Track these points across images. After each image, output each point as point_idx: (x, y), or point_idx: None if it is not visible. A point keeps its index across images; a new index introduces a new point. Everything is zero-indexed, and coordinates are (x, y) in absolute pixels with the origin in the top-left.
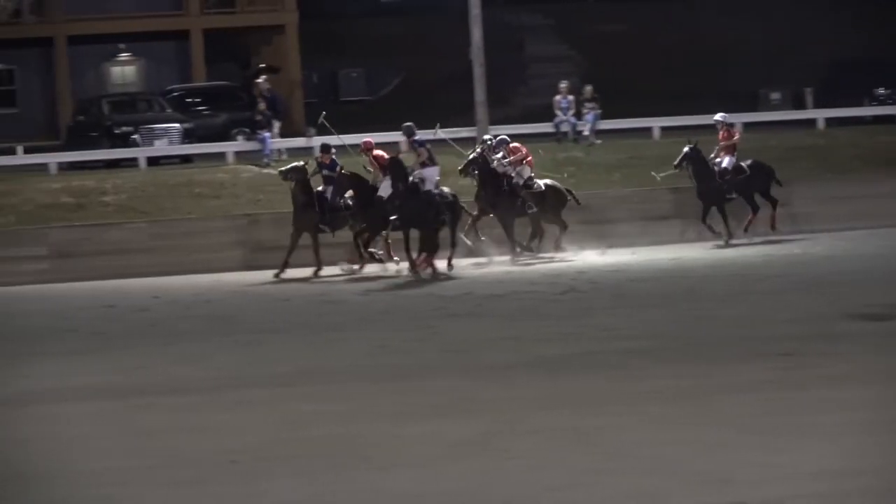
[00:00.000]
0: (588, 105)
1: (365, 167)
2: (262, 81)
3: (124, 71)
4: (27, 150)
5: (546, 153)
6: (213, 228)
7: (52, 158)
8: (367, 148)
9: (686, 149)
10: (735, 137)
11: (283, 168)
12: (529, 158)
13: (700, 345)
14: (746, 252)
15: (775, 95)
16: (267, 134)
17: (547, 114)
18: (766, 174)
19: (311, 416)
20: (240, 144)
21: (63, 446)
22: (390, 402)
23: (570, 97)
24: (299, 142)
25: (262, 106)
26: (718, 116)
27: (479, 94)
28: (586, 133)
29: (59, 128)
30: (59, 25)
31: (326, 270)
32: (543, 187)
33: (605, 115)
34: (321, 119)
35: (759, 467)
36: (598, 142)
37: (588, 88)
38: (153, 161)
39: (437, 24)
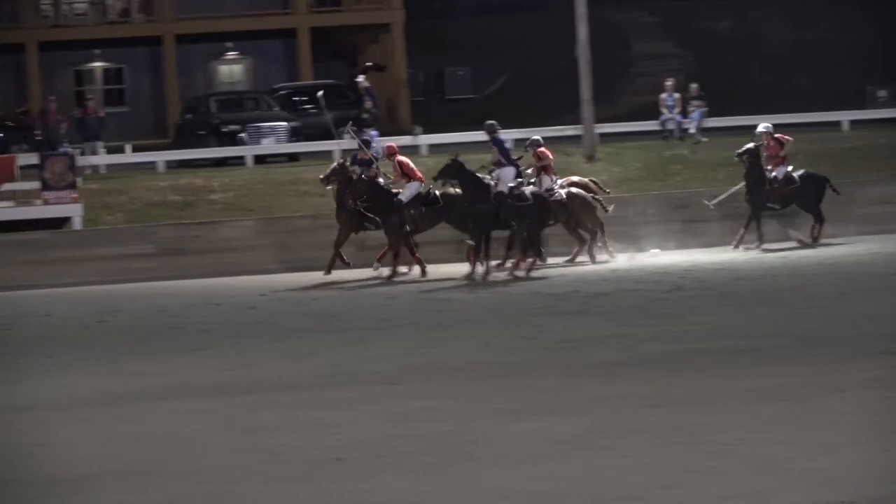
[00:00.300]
0: (694, 103)
1: (385, 174)
2: (362, 80)
3: (232, 69)
4: (136, 149)
5: (651, 151)
6: (319, 226)
7: (161, 157)
8: (391, 153)
9: (751, 144)
10: (784, 148)
11: (322, 175)
12: (549, 166)
13: (810, 343)
14: (855, 250)
15: (882, 93)
16: (374, 132)
17: (653, 111)
18: (818, 185)
19: (417, 413)
20: (346, 142)
21: (172, 443)
22: (497, 399)
23: (676, 95)
24: (405, 140)
25: (368, 104)
26: (762, 127)
27: (585, 91)
28: (692, 131)
29: (167, 126)
30: (168, 24)
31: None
32: (564, 196)
33: (711, 113)
34: (318, 95)
35: (867, 466)
36: (704, 139)
37: (694, 86)
38: (260, 159)
39: (543, 22)
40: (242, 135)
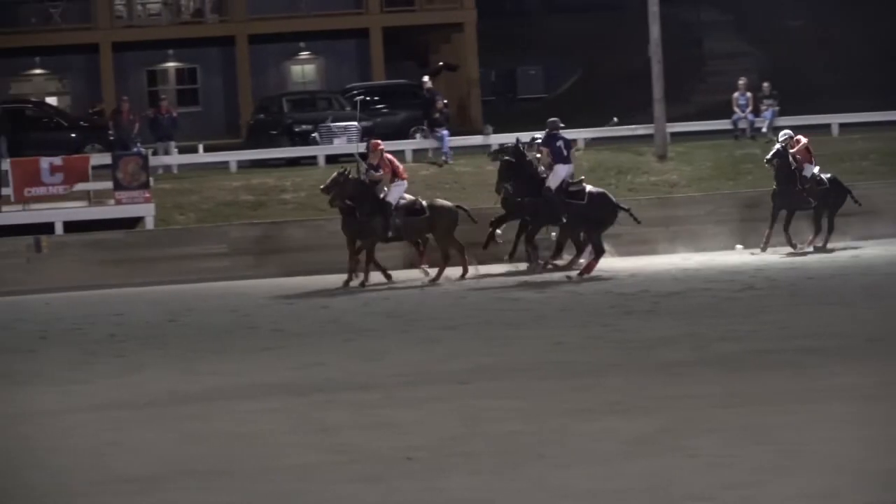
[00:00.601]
0: (766, 101)
1: (365, 170)
2: (427, 80)
3: (304, 69)
4: (208, 149)
5: (722, 150)
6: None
7: (233, 157)
8: (375, 148)
9: (778, 146)
10: (806, 147)
11: (322, 186)
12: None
13: (880, 343)
14: None
15: None
16: (445, 131)
17: (725, 110)
18: (842, 192)
19: (487, 412)
20: (418, 142)
21: (243, 442)
22: (567, 399)
23: (749, 94)
24: (476, 139)
25: (439, 104)
26: (784, 135)
27: (657, 91)
28: (764, 130)
29: (239, 126)
30: (241, 24)
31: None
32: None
33: (783, 112)
34: (357, 100)
35: None
36: (776, 138)
37: (766, 85)
38: (332, 159)
39: (615, 20)
40: (314, 135)
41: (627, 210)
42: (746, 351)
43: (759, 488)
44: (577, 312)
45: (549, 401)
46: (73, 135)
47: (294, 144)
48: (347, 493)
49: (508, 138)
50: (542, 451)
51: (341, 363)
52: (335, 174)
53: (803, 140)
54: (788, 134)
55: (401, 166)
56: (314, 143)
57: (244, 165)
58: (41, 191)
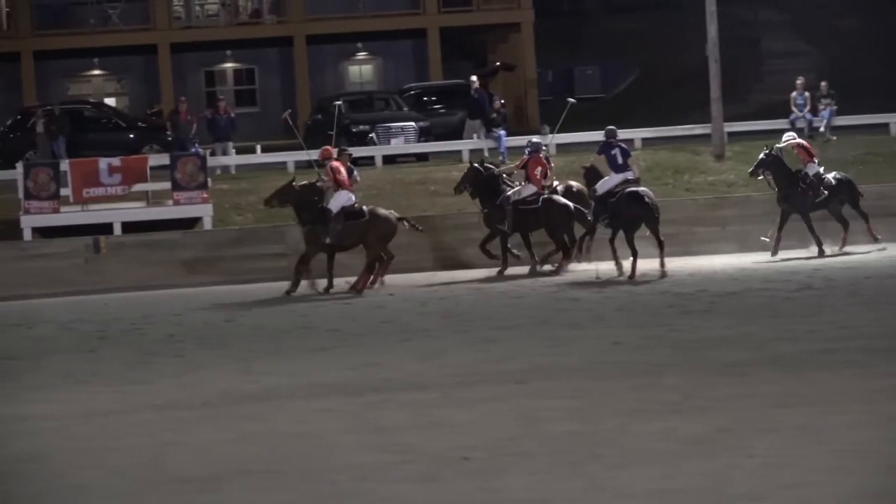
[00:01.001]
0: (824, 101)
1: (321, 176)
2: (474, 80)
3: (362, 70)
4: (266, 149)
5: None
6: (448, 226)
7: (290, 157)
8: (325, 157)
9: (761, 155)
10: (804, 147)
11: (267, 197)
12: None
13: None
14: None
15: None
16: (502, 132)
17: (783, 110)
18: (851, 188)
19: (544, 412)
20: (475, 142)
21: (300, 442)
22: (625, 399)
23: (806, 93)
24: (533, 140)
25: (496, 104)
26: (787, 137)
27: (715, 90)
28: (822, 129)
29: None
30: (299, 25)
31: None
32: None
33: (841, 111)
34: (285, 115)
35: None
36: (834, 138)
37: (823, 84)
38: (389, 159)
39: (673, 20)
40: (372, 135)
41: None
42: (804, 351)
43: (816, 488)
44: (635, 312)
45: (607, 401)
46: (132, 135)
47: (351, 145)
48: (402, 492)
49: (566, 138)
50: (598, 451)
51: (397, 363)
52: (281, 186)
53: (795, 141)
54: (792, 137)
55: (346, 177)
56: (371, 143)
57: (301, 166)
58: (100, 191)
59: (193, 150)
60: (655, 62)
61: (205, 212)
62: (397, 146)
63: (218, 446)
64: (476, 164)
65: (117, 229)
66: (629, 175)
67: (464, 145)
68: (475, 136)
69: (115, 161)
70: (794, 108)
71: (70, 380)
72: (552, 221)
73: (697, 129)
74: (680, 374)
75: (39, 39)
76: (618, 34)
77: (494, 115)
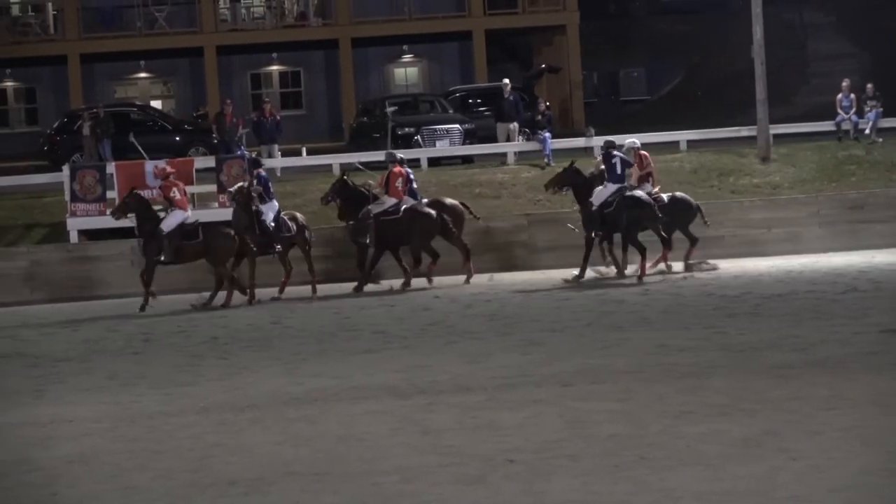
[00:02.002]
0: (870, 103)
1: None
2: (505, 84)
3: (407, 72)
4: (312, 152)
5: (825, 152)
6: (493, 229)
7: (336, 160)
8: (163, 175)
9: (560, 170)
10: (650, 166)
11: (231, 189)
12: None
13: None
14: None
15: None
16: (547, 134)
17: (828, 112)
18: (685, 209)
19: (590, 415)
20: (520, 145)
21: (347, 444)
22: (671, 401)
23: (852, 95)
24: (579, 142)
25: (541, 107)
26: (629, 142)
27: (760, 92)
28: (868, 131)
29: (343, 129)
30: (344, 27)
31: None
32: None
33: (887, 113)
34: (130, 138)
35: None
36: (880, 140)
37: (869, 86)
38: (434, 161)
39: (718, 22)
40: (417, 137)
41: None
42: (851, 353)
43: (865, 491)
44: (681, 314)
45: (653, 403)
46: (178, 138)
47: (397, 147)
48: (449, 494)
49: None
50: (644, 453)
51: (444, 365)
52: (239, 185)
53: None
54: (634, 144)
55: (185, 198)
56: (416, 145)
57: (348, 168)
58: (146, 194)
59: (239, 152)
60: (701, 64)
61: None
62: (442, 148)
63: (264, 448)
64: (345, 177)
65: None
66: (625, 185)
67: (509, 148)
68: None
69: (162, 164)
70: (839, 111)
71: (116, 382)
72: (414, 231)
73: (743, 132)
74: (726, 377)
75: (86, 42)
76: (664, 36)
77: (539, 117)
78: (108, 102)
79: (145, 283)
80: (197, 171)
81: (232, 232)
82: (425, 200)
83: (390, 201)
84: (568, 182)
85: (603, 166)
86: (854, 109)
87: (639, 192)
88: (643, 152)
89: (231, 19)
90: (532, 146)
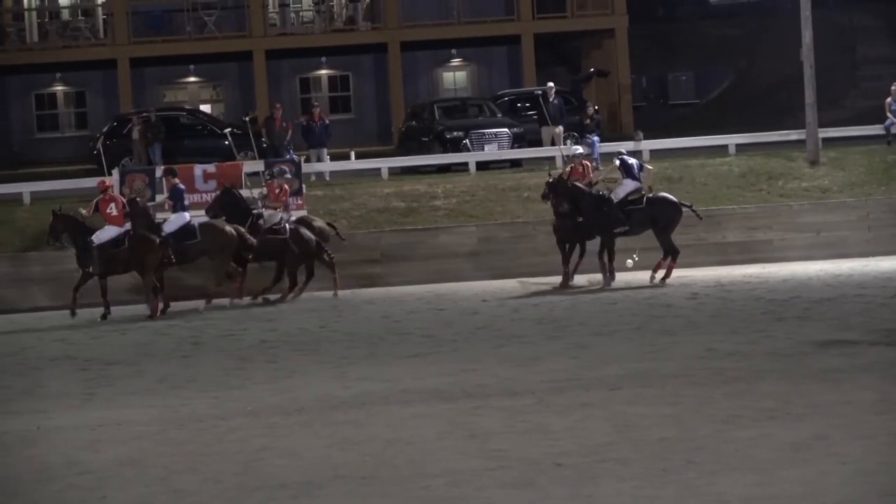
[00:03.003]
0: None
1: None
2: (549, 87)
3: (456, 76)
4: (360, 156)
5: (875, 156)
6: (541, 232)
7: (384, 163)
8: (102, 189)
9: (548, 181)
10: (591, 175)
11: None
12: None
13: None
14: None
15: None
16: (595, 138)
17: (878, 115)
18: (663, 210)
19: (639, 419)
20: (569, 149)
21: (395, 448)
22: (720, 405)
23: None
24: (628, 145)
25: (590, 110)
26: (574, 149)
27: (809, 96)
28: None
29: (391, 133)
30: (393, 31)
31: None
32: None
33: None
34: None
35: None
36: None
37: None
38: (482, 165)
39: (767, 26)
40: (465, 141)
41: (690, 206)
42: None
43: None
44: (729, 318)
45: (702, 407)
46: (227, 142)
47: (445, 151)
48: (497, 498)
49: (660, 144)
50: (693, 457)
51: (492, 369)
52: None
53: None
54: (580, 152)
55: (117, 212)
56: (465, 149)
57: (395, 172)
58: (195, 198)
59: (288, 156)
60: (750, 68)
61: None
62: (491, 152)
63: (312, 452)
64: (230, 187)
65: None
66: (640, 185)
67: (557, 151)
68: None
69: (210, 167)
70: (888, 114)
71: (165, 385)
72: (289, 249)
73: (792, 135)
74: (775, 381)
75: (136, 47)
76: (712, 40)
77: (588, 121)
78: (157, 106)
79: (74, 296)
80: (246, 174)
81: (157, 241)
82: (294, 218)
83: (276, 217)
84: (219, 206)
85: (612, 174)
86: None
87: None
88: (586, 161)
89: (280, 23)
90: (578, 150)
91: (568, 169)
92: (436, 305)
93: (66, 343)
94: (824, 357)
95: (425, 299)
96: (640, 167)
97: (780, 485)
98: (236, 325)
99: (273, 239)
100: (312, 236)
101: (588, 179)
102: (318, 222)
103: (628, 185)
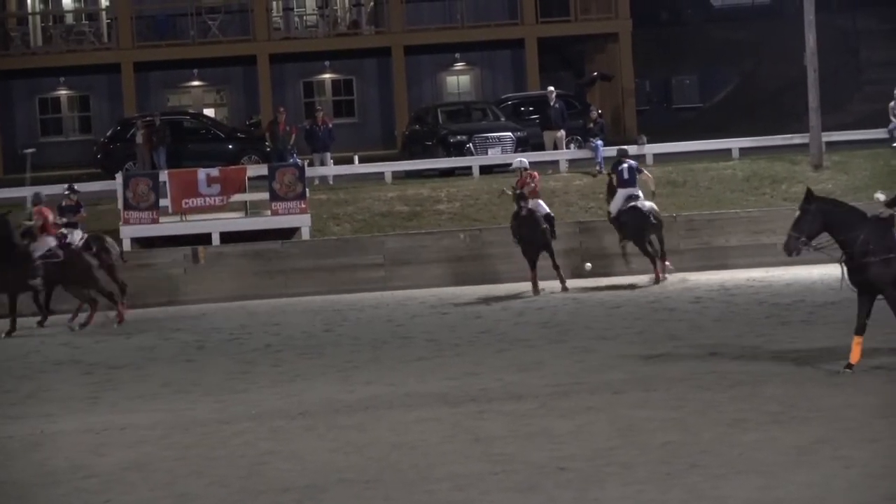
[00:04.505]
0: None
1: (32, 224)
2: (550, 91)
3: (459, 80)
4: (364, 160)
5: (879, 159)
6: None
7: (388, 167)
8: (35, 203)
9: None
10: (533, 184)
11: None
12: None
13: None
14: None
15: None
16: (599, 142)
17: (882, 119)
18: (638, 220)
19: (643, 422)
20: (572, 153)
21: (399, 452)
22: (724, 409)
23: None
24: (631, 150)
25: (593, 114)
26: (517, 161)
27: (813, 99)
28: None
29: (395, 137)
30: (397, 35)
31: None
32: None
33: None
34: (27, 152)
35: None
36: None
37: None
38: (486, 169)
39: (771, 29)
40: (469, 145)
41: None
42: None
43: None
44: (733, 322)
45: (706, 411)
46: (230, 146)
47: (449, 155)
48: (501, 502)
49: (663, 148)
50: (697, 461)
51: (495, 373)
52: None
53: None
54: (522, 163)
55: (53, 227)
56: (469, 153)
57: (399, 176)
58: (199, 202)
59: (292, 160)
60: (754, 72)
61: (303, 222)
62: (494, 156)
63: (317, 456)
64: (3, 214)
65: (216, 239)
66: (633, 191)
67: (560, 156)
68: (571, 146)
69: (214, 172)
70: (892, 118)
71: (170, 389)
72: (73, 274)
73: (796, 139)
74: (780, 385)
75: (140, 51)
76: (716, 44)
77: (591, 125)
78: (161, 110)
79: (11, 306)
80: (250, 179)
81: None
82: (85, 236)
83: (48, 243)
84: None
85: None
86: None
87: (641, 202)
88: (531, 172)
89: (284, 28)
90: (584, 154)
91: (516, 182)
92: (439, 309)
93: (70, 347)
94: (828, 361)
95: (429, 303)
96: (639, 170)
97: (785, 488)
98: (241, 329)
99: (48, 264)
100: (93, 260)
101: (534, 189)
102: (110, 240)
103: (618, 199)
